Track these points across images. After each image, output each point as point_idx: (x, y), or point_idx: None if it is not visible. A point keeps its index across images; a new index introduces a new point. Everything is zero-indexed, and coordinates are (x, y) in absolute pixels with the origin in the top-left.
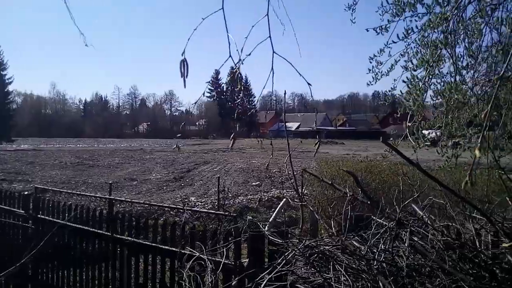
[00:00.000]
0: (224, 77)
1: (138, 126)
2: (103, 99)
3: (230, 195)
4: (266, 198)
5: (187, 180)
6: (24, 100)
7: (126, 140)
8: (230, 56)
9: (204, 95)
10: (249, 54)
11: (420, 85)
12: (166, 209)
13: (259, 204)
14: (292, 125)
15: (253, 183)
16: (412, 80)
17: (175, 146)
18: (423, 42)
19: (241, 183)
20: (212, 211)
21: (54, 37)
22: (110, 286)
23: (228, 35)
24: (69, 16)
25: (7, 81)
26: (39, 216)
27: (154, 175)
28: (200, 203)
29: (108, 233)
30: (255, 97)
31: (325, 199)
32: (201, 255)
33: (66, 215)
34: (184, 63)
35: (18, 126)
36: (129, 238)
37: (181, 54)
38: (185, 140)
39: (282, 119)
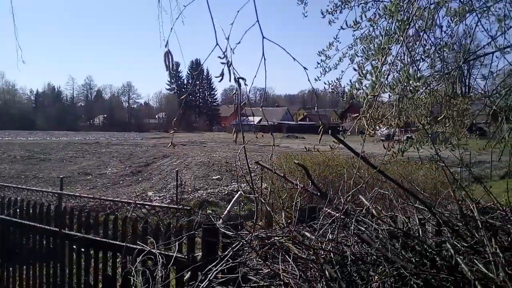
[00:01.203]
0: (184, 70)
1: (94, 118)
2: (56, 90)
3: (189, 189)
4: (226, 192)
5: (145, 175)
6: None
7: (81, 133)
8: (217, 44)
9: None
10: (239, 43)
11: (375, 74)
12: (120, 204)
13: (219, 198)
14: (254, 119)
15: (214, 177)
16: (360, 70)
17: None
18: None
19: (201, 177)
20: (165, 205)
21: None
22: (59, 283)
23: (213, 22)
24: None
25: None
26: None
27: (110, 169)
28: (158, 198)
29: (56, 229)
30: (216, 90)
31: (284, 192)
32: (152, 250)
33: (11, 211)
34: (168, 54)
35: None
36: (78, 234)
37: (165, 45)
38: (144, 134)
39: (244, 113)
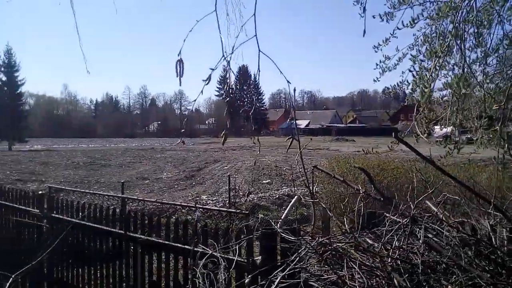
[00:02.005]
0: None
1: (149, 125)
2: (114, 99)
3: (241, 193)
4: (277, 196)
5: (198, 179)
6: (36, 101)
7: (137, 140)
8: (223, 56)
9: (202, 93)
10: (232, 53)
11: (428, 76)
12: (178, 207)
13: (270, 202)
14: (302, 123)
15: (264, 181)
16: (419, 71)
17: (179, 141)
18: (432, 32)
19: (252, 181)
20: (224, 209)
21: (65, 37)
22: (124, 284)
23: (220, 36)
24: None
25: (19, 82)
26: (53, 215)
27: (165, 174)
28: (211, 202)
29: (122, 231)
30: (264, 95)
31: (337, 197)
32: (214, 253)
33: (80, 214)
34: (179, 63)
35: (31, 127)
36: (142, 236)
37: (178, 54)
38: (195, 139)
39: (292, 116)
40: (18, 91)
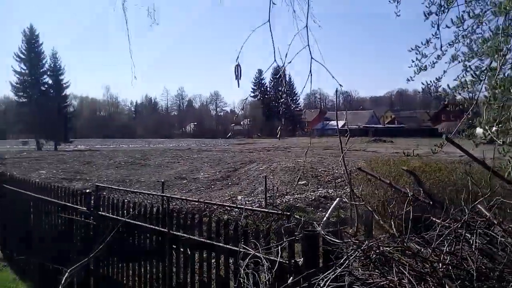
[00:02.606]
0: (267, 76)
1: (186, 126)
2: (153, 101)
3: (277, 194)
4: (313, 198)
5: (234, 179)
6: (80, 103)
7: (174, 140)
8: (275, 60)
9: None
10: (290, 62)
11: (483, 77)
12: (215, 207)
13: (306, 203)
14: (338, 124)
15: (300, 182)
16: (469, 71)
17: (229, 134)
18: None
19: (287, 182)
20: (266, 210)
21: (107, 41)
22: (166, 281)
23: (273, 44)
24: (121, 23)
25: (64, 85)
26: (99, 212)
27: (202, 174)
28: (247, 202)
29: (165, 230)
30: (299, 96)
31: (378, 199)
32: (256, 253)
33: (125, 212)
34: (238, 67)
35: (75, 128)
36: (185, 235)
37: (236, 59)
38: (230, 140)
39: (327, 117)
40: (63, 94)
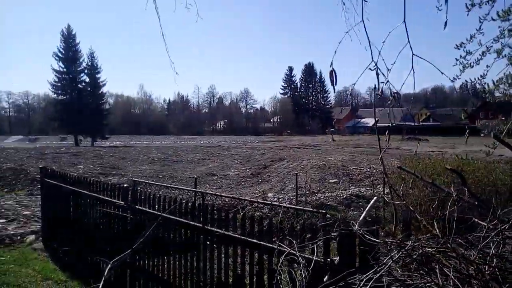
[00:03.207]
0: (298, 73)
1: (216, 123)
2: (184, 98)
3: (308, 192)
4: (344, 196)
5: (264, 176)
6: (115, 100)
7: (205, 137)
8: (372, 60)
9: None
10: (394, 63)
11: None
12: (245, 203)
13: (337, 202)
14: (369, 121)
15: (331, 180)
16: None
17: (331, 139)
18: None
19: (317, 180)
20: (301, 208)
21: (141, 39)
22: (201, 275)
23: (369, 42)
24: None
25: (101, 83)
26: (136, 207)
27: (232, 170)
28: (277, 199)
29: (200, 225)
30: (329, 92)
31: (417, 198)
32: (292, 251)
33: (161, 206)
34: (333, 72)
35: (110, 125)
36: (219, 231)
37: (330, 65)
38: (259, 137)
39: (359, 114)
40: (100, 92)
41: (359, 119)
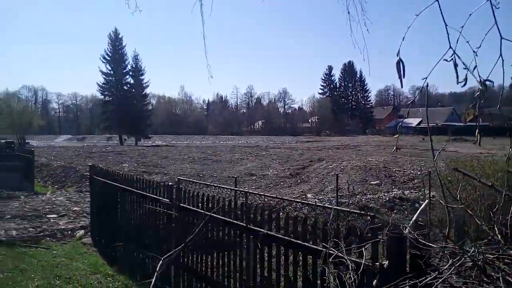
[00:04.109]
0: (337, 73)
1: (254, 123)
2: (223, 99)
3: (348, 193)
4: (387, 199)
5: (303, 177)
6: (158, 101)
7: (243, 137)
8: (450, 47)
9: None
10: (480, 47)
11: None
12: (284, 203)
13: (379, 204)
14: (413, 121)
15: (372, 182)
16: None
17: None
18: None
19: (358, 182)
20: (346, 209)
21: (182, 40)
22: (244, 274)
23: (446, 26)
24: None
25: (144, 85)
26: (181, 204)
27: (271, 171)
28: (317, 200)
29: (243, 224)
30: (370, 91)
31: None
32: (340, 254)
33: (204, 204)
34: (400, 63)
35: (153, 125)
36: (263, 230)
37: (396, 54)
38: (297, 137)
39: (401, 114)
40: (143, 93)
41: (402, 119)
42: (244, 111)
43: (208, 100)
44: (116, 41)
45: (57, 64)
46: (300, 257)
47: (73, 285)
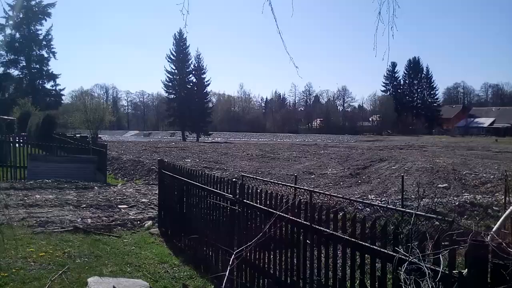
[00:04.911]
0: (401, 69)
1: (312, 122)
2: (281, 96)
3: (412, 196)
4: (457, 203)
5: (364, 177)
6: (218, 99)
7: (300, 136)
8: None
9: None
10: None
11: None
12: (343, 203)
13: (448, 209)
14: (485, 121)
15: (440, 185)
16: None
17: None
18: None
19: (424, 184)
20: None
21: (241, 39)
22: (308, 275)
23: None
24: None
25: (205, 83)
26: (245, 200)
27: (330, 170)
28: (379, 202)
29: (307, 223)
30: (437, 89)
31: None
32: (415, 260)
33: (267, 202)
34: None
35: (213, 122)
36: (328, 230)
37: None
38: (357, 136)
39: (471, 113)
40: (204, 91)
41: (472, 119)
42: (302, 109)
43: (266, 98)
44: (180, 42)
45: (126, 63)
46: (368, 261)
47: (142, 273)
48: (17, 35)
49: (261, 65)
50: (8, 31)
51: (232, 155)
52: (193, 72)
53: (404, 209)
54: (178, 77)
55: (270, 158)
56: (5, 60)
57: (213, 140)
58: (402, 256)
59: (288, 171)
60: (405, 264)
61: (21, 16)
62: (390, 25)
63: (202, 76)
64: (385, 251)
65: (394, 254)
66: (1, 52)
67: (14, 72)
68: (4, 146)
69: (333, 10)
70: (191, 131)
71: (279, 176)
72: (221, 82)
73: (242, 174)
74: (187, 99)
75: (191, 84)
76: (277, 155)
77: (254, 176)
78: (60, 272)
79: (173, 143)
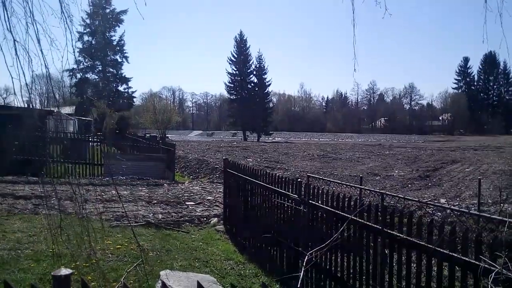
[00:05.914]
0: (475, 65)
1: (375, 121)
2: (343, 95)
3: (490, 200)
4: None
5: (434, 180)
6: (278, 99)
7: (363, 136)
8: None
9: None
10: None
11: None
12: (413, 207)
13: None
14: None
15: None
16: None
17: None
18: None
19: (503, 188)
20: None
21: (301, 39)
22: (379, 282)
23: None
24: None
25: (266, 83)
26: (310, 201)
27: (396, 171)
28: (452, 206)
29: (379, 227)
30: None
31: None
32: (503, 270)
33: (334, 203)
34: None
35: (273, 122)
36: (401, 235)
37: None
38: (425, 136)
39: None
40: (265, 91)
41: None
42: (365, 108)
43: (327, 97)
44: (241, 43)
45: (192, 66)
46: (446, 268)
47: (210, 269)
48: (93, 41)
49: (322, 64)
50: (85, 38)
51: (293, 155)
52: (254, 73)
53: (496, 216)
54: (239, 78)
55: (332, 158)
56: (83, 66)
57: (274, 140)
58: (485, 266)
59: (351, 172)
60: (492, 274)
61: (96, 23)
62: (500, 11)
63: (263, 76)
64: (465, 259)
65: (478, 263)
66: (80, 58)
67: (92, 76)
68: (83, 145)
69: (402, 2)
70: (252, 131)
71: (342, 176)
72: (282, 82)
73: (308, 174)
74: (248, 99)
75: (252, 84)
76: (339, 155)
77: (320, 177)
78: (135, 264)
79: (235, 143)
